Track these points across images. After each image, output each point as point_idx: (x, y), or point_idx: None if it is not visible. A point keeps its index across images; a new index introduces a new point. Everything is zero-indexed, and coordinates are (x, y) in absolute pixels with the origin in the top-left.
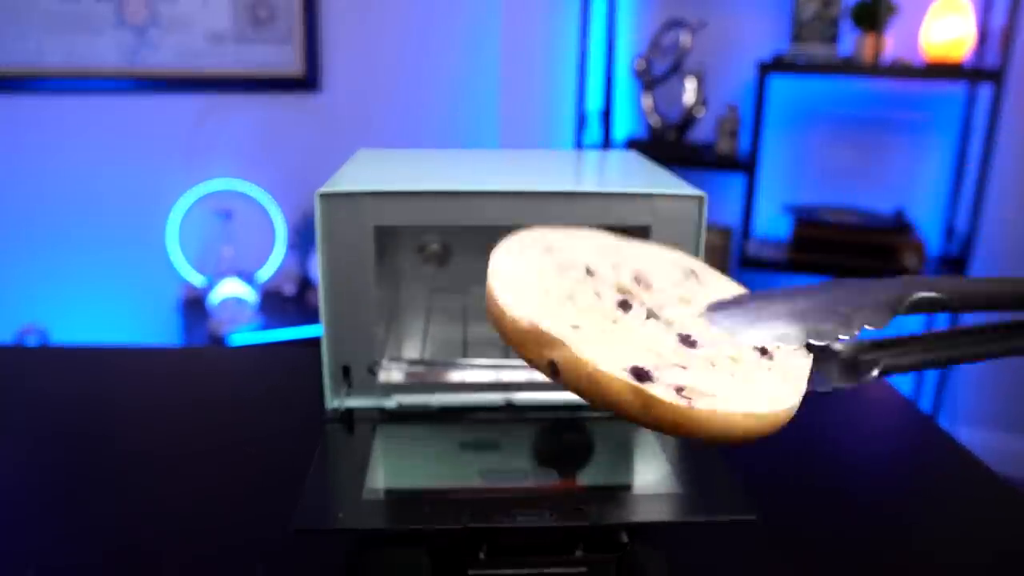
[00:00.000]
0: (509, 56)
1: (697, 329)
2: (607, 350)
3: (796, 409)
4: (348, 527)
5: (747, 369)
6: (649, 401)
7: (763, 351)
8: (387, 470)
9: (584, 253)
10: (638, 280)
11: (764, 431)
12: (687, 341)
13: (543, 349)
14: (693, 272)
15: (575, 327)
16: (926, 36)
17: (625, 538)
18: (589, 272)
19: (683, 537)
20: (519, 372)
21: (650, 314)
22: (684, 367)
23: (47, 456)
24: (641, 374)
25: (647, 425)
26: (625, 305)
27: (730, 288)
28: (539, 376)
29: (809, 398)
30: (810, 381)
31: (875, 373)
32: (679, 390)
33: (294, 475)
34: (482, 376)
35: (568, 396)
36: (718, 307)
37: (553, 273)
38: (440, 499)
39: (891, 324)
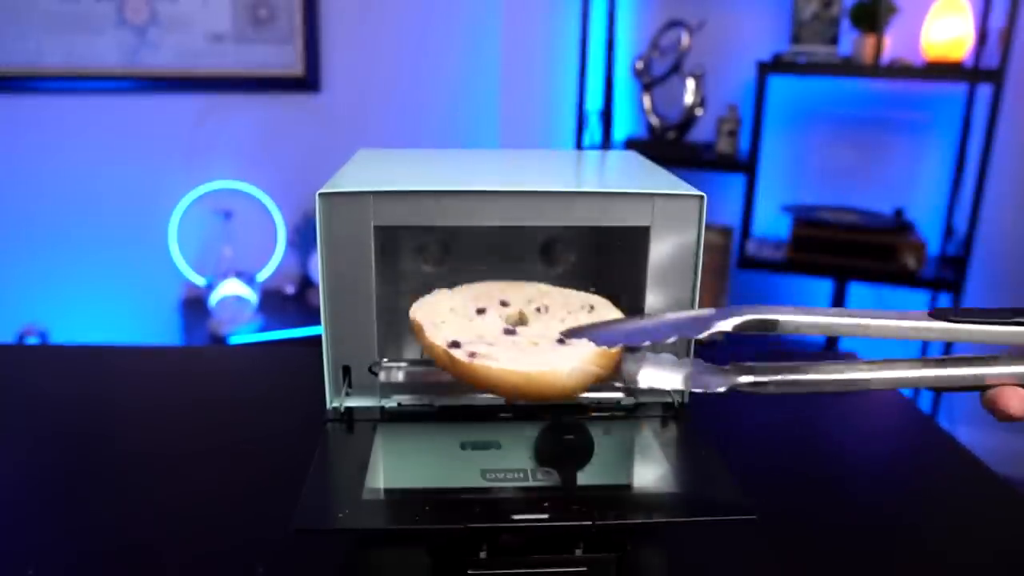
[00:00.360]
0: (509, 56)
1: (531, 330)
2: (448, 333)
3: (567, 377)
4: (348, 527)
5: (541, 349)
6: (452, 360)
7: (561, 342)
8: (387, 470)
9: (510, 293)
10: (538, 309)
11: (536, 388)
12: (508, 332)
13: (419, 335)
14: (592, 306)
15: (442, 322)
16: (926, 36)
17: (625, 538)
18: (504, 304)
19: (683, 537)
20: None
21: (510, 321)
22: (491, 344)
23: (47, 456)
24: (453, 344)
25: (457, 377)
26: (481, 311)
27: (616, 316)
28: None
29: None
30: (651, 387)
31: (722, 389)
32: (472, 355)
33: (294, 475)
34: None
35: (569, 396)
36: (577, 328)
37: (469, 302)
38: (440, 499)
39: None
